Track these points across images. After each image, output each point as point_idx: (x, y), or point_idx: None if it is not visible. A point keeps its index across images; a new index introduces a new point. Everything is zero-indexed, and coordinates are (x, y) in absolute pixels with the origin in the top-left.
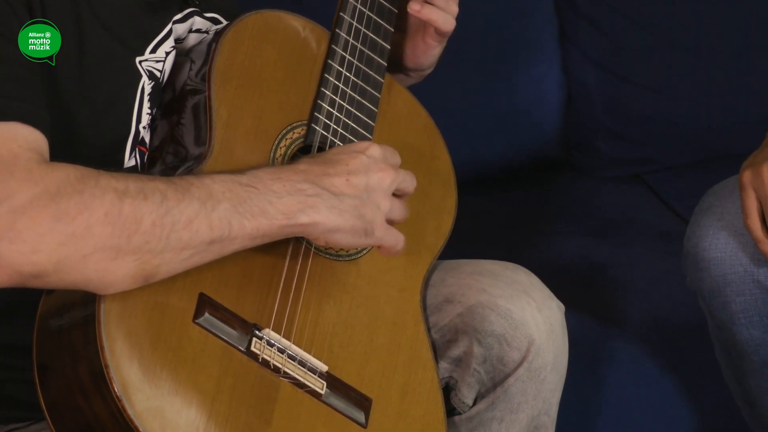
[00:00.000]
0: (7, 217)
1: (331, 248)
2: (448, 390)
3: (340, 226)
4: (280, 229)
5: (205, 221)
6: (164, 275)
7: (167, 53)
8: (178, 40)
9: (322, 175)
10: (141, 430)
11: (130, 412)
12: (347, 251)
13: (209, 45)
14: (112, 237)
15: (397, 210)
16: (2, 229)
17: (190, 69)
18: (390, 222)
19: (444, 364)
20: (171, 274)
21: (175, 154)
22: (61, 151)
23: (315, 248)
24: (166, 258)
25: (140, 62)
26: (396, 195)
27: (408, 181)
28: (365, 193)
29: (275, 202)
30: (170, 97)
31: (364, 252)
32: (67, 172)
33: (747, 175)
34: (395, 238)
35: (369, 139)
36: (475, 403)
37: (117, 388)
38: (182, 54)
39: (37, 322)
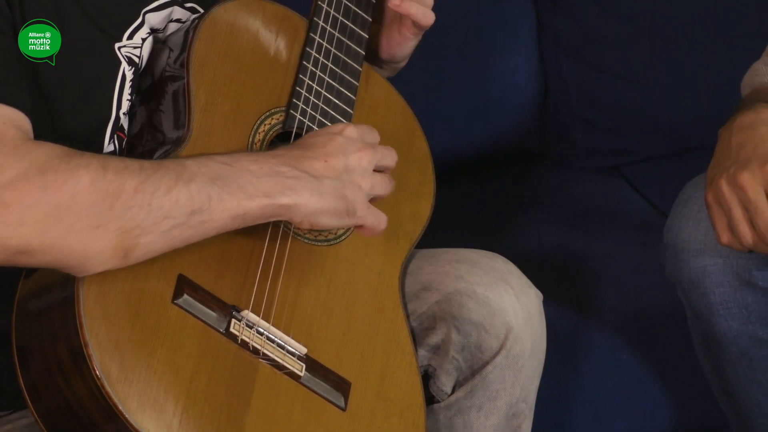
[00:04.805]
0: None
1: (309, 233)
2: (426, 378)
3: (322, 209)
4: (262, 209)
5: (185, 190)
6: (144, 249)
7: (143, 39)
8: (155, 30)
9: (300, 158)
10: (120, 407)
11: (109, 389)
12: (326, 236)
13: (187, 32)
14: (97, 204)
15: (380, 185)
16: None
17: (169, 57)
18: (375, 198)
19: (422, 352)
20: (150, 249)
21: (153, 140)
22: (42, 136)
23: (293, 232)
24: (147, 227)
25: (119, 48)
26: (377, 171)
27: (388, 157)
28: (345, 174)
29: (254, 181)
30: (149, 84)
31: (343, 237)
32: (52, 147)
33: (709, 195)
34: (377, 218)
35: None
36: (453, 391)
37: (96, 365)
38: (160, 42)
39: (15, 305)
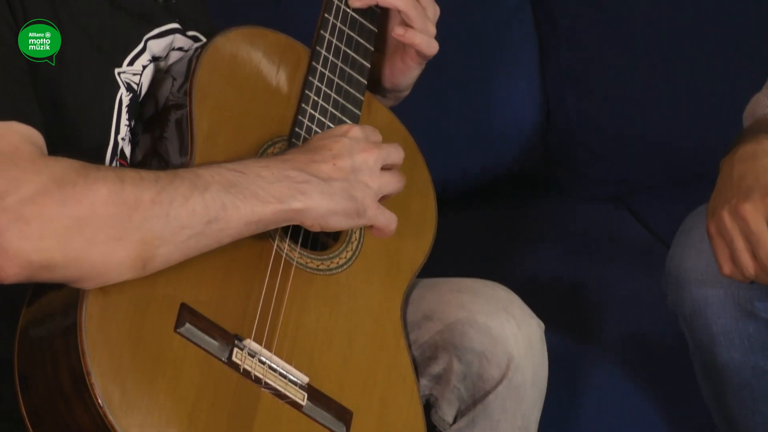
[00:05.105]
0: (16, 207)
1: (311, 262)
2: (428, 407)
3: (333, 210)
4: (275, 214)
5: (200, 199)
6: (162, 259)
7: (144, 67)
8: (156, 58)
9: (308, 162)
10: None
11: (111, 418)
12: (327, 265)
13: (190, 60)
14: (115, 216)
15: (390, 183)
16: (11, 219)
17: (172, 86)
18: (387, 196)
19: (424, 382)
20: (169, 259)
21: (158, 168)
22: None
23: (297, 262)
24: (165, 237)
25: (119, 74)
26: (386, 169)
27: (394, 154)
28: (352, 174)
29: (266, 187)
30: (152, 112)
31: (345, 266)
32: (69, 161)
33: (711, 225)
34: (387, 218)
35: None
36: (455, 420)
37: (98, 393)
38: (163, 71)
39: (18, 333)
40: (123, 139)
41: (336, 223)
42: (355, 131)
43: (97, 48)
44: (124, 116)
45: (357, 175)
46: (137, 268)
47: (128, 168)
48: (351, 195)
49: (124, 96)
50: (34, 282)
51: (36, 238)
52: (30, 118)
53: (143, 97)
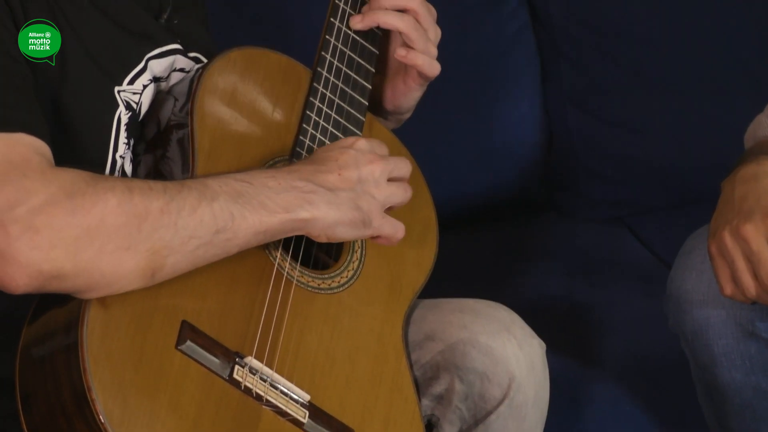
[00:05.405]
0: (26, 217)
1: (313, 281)
2: (430, 428)
3: (339, 220)
4: (282, 224)
5: (208, 209)
6: (171, 269)
7: (144, 86)
8: (158, 78)
9: (315, 172)
10: None
11: None
12: (329, 284)
13: (192, 81)
14: (125, 226)
15: (397, 194)
16: (21, 229)
17: (174, 106)
18: (393, 207)
19: (426, 402)
20: (177, 269)
21: None
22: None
23: (297, 280)
24: (174, 247)
25: (118, 92)
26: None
27: (401, 167)
28: (358, 185)
29: (273, 197)
30: (154, 132)
31: (346, 285)
32: (78, 172)
33: (713, 246)
34: (394, 227)
35: None
36: None
37: (99, 410)
38: (164, 91)
39: (19, 352)
40: (122, 157)
41: (342, 233)
42: (361, 143)
43: (97, 64)
44: (123, 134)
45: (363, 186)
46: (146, 277)
47: (136, 179)
48: (357, 205)
49: (122, 114)
50: (42, 293)
51: (46, 247)
52: (37, 130)
53: (145, 117)
